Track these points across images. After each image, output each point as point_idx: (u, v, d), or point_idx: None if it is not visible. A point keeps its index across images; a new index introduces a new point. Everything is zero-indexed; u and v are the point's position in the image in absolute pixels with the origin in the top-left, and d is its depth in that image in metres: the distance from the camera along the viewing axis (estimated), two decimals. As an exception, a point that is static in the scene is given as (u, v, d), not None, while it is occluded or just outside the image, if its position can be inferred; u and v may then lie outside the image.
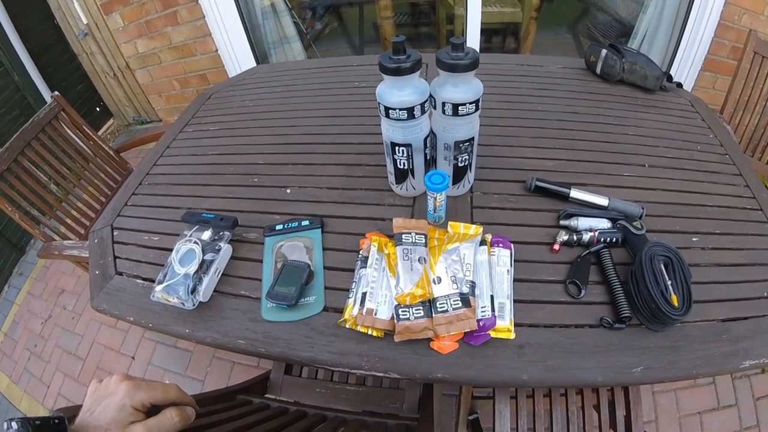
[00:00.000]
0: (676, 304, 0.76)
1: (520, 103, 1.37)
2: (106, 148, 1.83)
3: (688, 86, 2.35)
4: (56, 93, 1.69)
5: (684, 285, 0.79)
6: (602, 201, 1.00)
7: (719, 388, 1.63)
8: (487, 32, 2.68)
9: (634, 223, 0.92)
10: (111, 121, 3.44)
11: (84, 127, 1.76)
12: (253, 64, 2.66)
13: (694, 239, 0.95)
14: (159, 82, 2.75)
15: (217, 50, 2.53)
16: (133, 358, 1.92)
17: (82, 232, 1.66)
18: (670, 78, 1.42)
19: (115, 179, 1.83)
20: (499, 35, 3.06)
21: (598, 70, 1.47)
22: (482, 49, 2.59)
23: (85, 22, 2.81)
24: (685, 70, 2.36)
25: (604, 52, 1.43)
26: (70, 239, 1.61)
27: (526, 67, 1.57)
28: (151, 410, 0.54)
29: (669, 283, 0.78)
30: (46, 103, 1.67)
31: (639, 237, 0.90)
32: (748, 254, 0.93)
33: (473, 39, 2.45)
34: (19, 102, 2.67)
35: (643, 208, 0.97)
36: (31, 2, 2.77)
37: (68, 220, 1.64)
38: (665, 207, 1.02)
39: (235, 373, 1.79)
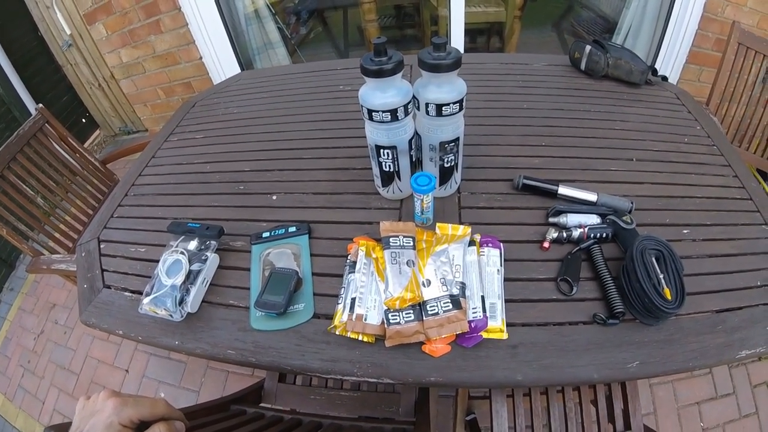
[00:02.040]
0: (669, 297, 0.76)
1: (506, 102, 1.37)
2: (92, 160, 1.81)
3: (673, 79, 2.37)
4: (40, 105, 1.67)
5: (676, 278, 0.78)
6: (591, 197, 0.99)
7: (716, 377, 1.64)
8: (471, 32, 2.68)
9: (624, 218, 0.92)
10: (97, 132, 3.41)
11: (69, 139, 1.74)
12: (238, 70, 2.64)
13: (684, 231, 0.95)
14: (144, 91, 2.73)
15: (201, 58, 2.52)
16: (126, 371, 1.90)
17: (71, 245, 1.64)
18: (655, 72, 1.43)
19: (101, 191, 1.82)
20: (483, 35, 3.05)
21: (582, 67, 1.47)
22: (467, 50, 2.59)
23: (68, 32, 2.78)
24: (670, 64, 2.37)
25: (588, 48, 1.43)
26: (59, 253, 1.60)
27: (510, 66, 1.57)
28: (140, 426, 0.52)
29: (661, 276, 0.78)
30: (31, 115, 1.65)
31: (629, 231, 0.90)
32: (740, 244, 0.93)
33: (457, 39, 2.45)
34: (4, 115, 2.64)
35: (632, 203, 0.97)
36: (14, 14, 2.74)
37: (56, 234, 1.63)
38: (654, 200, 1.02)
39: (230, 382, 1.78)
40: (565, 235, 0.91)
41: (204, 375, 1.81)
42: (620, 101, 1.35)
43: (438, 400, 0.98)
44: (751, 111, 1.70)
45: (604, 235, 0.91)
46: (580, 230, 0.90)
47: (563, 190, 1.00)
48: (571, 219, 0.94)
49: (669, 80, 1.45)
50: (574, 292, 0.83)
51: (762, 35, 1.72)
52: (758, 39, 1.62)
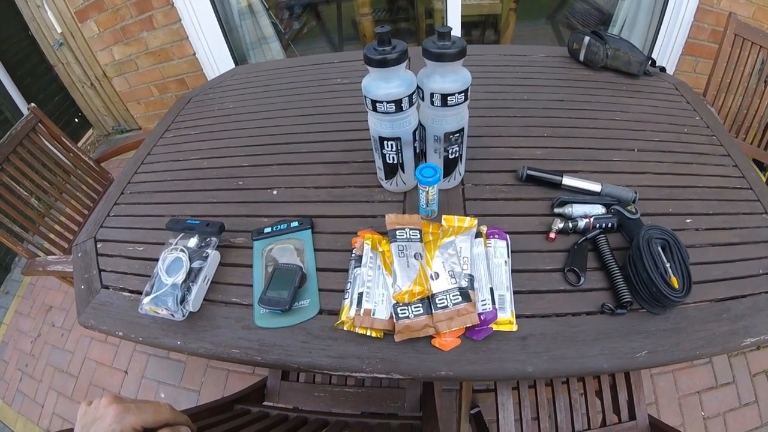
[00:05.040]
0: (676, 286, 0.75)
1: (506, 93, 1.36)
2: (87, 159, 1.79)
3: (669, 71, 2.36)
4: (33, 105, 1.64)
5: (683, 266, 0.78)
6: (595, 187, 0.99)
7: (716, 366, 1.65)
8: (466, 25, 2.67)
9: (629, 208, 0.92)
10: (90, 131, 3.37)
11: (63, 139, 1.72)
12: (232, 66, 2.62)
13: (687, 221, 0.95)
14: (137, 89, 2.70)
15: (194, 54, 2.49)
16: (126, 372, 1.88)
17: (66, 246, 1.62)
18: (653, 63, 1.42)
19: (96, 190, 1.79)
20: (478, 28, 3.05)
21: (581, 58, 1.47)
22: (463, 42, 2.59)
23: (59, 31, 2.75)
24: (666, 55, 2.37)
25: (587, 39, 1.43)
26: (55, 254, 1.57)
27: (509, 57, 1.56)
28: None
29: (668, 265, 0.77)
30: (23, 116, 1.62)
31: (634, 221, 0.90)
32: (742, 233, 0.93)
33: (453, 32, 2.43)
34: (-4, 117, 2.60)
35: (636, 192, 0.97)
36: (4, 13, 2.70)
37: (51, 235, 1.60)
38: (657, 190, 1.02)
39: (231, 381, 1.76)
40: (570, 225, 0.90)
41: (204, 374, 1.80)
42: (620, 92, 1.35)
43: (442, 393, 0.97)
44: (748, 102, 1.70)
45: (610, 225, 0.91)
46: (585, 220, 0.90)
47: (567, 180, 1.00)
48: (577, 209, 0.93)
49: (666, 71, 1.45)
50: (581, 282, 0.83)
51: (757, 26, 1.73)
52: (754, 30, 1.62)
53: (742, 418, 1.54)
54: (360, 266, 0.83)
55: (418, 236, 0.83)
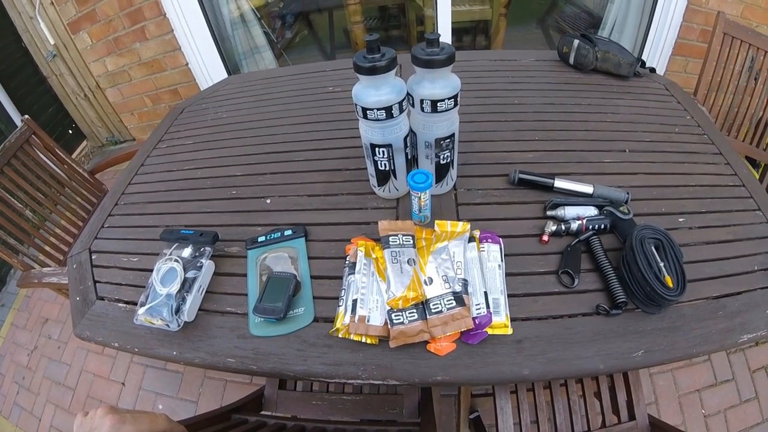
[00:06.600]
0: (670, 285, 0.76)
1: (497, 98, 1.37)
2: (81, 171, 1.79)
3: (659, 72, 2.37)
4: (26, 116, 1.64)
5: (677, 265, 0.79)
6: (587, 189, 0.99)
7: (715, 364, 1.65)
8: (457, 31, 2.68)
9: (621, 208, 0.92)
10: (84, 143, 3.36)
11: (57, 151, 1.71)
12: (225, 75, 2.63)
13: (680, 220, 0.96)
14: (130, 99, 2.70)
15: (187, 64, 2.50)
16: (123, 384, 1.87)
17: (62, 258, 1.61)
18: (643, 64, 1.43)
19: (91, 202, 1.79)
20: (469, 34, 3.07)
21: (571, 61, 1.48)
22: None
23: (52, 42, 2.74)
24: (656, 56, 2.39)
25: (576, 42, 1.44)
26: (50, 266, 1.57)
27: (499, 62, 1.57)
28: None
29: (662, 264, 0.78)
30: (17, 127, 1.62)
31: (627, 221, 0.90)
32: (735, 230, 0.94)
33: (445, 38, 2.45)
34: (-11, 129, 2.59)
35: (628, 193, 0.97)
36: (-3, 26, 2.70)
37: (46, 247, 1.60)
38: (649, 190, 1.02)
39: (228, 391, 1.75)
40: (563, 227, 0.91)
41: (202, 385, 1.79)
42: (610, 94, 1.36)
43: (440, 399, 0.97)
44: (738, 100, 1.71)
45: (602, 226, 0.91)
46: (578, 222, 0.90)
47: (559, 183, 1.00)
48: (569, 211, 0.93)
49: (656, 72, 1.46)
50: (575, 284, 0.83)
51: (746, 24, 1.74)
52: (743, 28, 1.64)
53: (743, 415, 1.54)
54: (354, 273, 0.83)
55: (411, 242, 0.83)
